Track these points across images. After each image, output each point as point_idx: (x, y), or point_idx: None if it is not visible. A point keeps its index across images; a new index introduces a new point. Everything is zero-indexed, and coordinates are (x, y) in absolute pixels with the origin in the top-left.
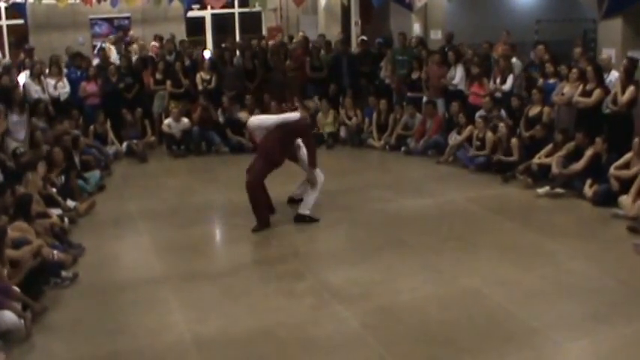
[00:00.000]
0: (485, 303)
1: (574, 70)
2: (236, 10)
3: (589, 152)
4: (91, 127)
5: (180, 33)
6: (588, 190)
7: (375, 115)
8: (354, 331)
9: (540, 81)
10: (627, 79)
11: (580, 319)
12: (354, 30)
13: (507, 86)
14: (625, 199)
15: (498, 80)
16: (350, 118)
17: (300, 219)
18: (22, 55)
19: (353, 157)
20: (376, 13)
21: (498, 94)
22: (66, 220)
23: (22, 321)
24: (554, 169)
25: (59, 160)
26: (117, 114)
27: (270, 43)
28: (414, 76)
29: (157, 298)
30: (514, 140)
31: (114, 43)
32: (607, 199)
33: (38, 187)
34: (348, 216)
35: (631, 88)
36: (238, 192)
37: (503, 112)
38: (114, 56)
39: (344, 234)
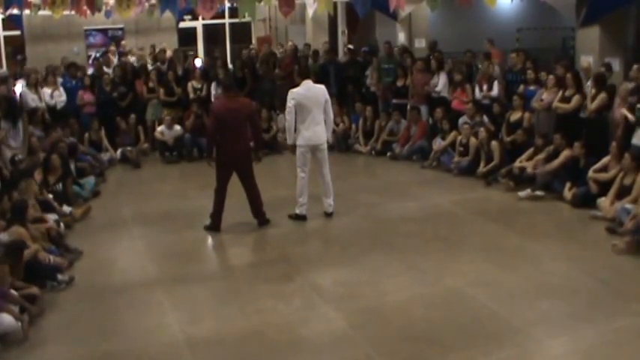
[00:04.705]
0: (469, 302)
1: (551, 77)
2: (226, 20)
3: (566, 152)
4: (86, 134)
5: (173, 43)
6: (568, 192)
7: (361, 122)
8: (342, 331)
9: (521, 87)
10: (598, 86)
11: (561, 318)
12: (341, 39)
13: (495, 92)
14: (603, 201)
15: (485, 87)
16: (337, 125)
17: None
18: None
19: (340, 162)
20: (362, 22)
21: (486, 101)
22: (62, 224)
23: (20, 324)
24: (529, 169)
25: (57, 166)
26: (111, 122)
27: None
28: (399, 83)
29: (150, 300)
30: (494, 143)
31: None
32: (586, 201)
33: (35, 193)
34: (336, 219)
35: (602, 95)
36: (228, 197)
37: (485, 118)
38: (115, 63)
39: (331, 237)
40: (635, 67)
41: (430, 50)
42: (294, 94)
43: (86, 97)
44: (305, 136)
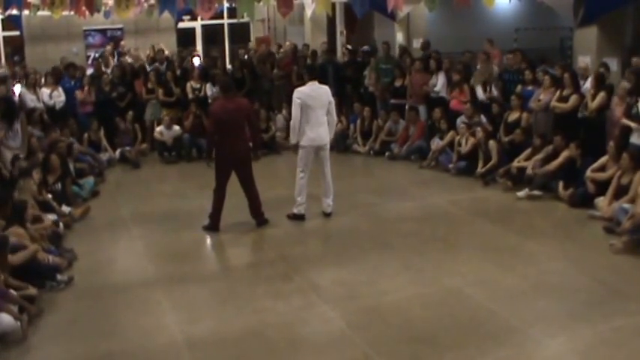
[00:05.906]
0: (467, 302)
1: (547, 77)
2: (225, 20)
3: (565, 153)
4: (85, 134)
5: (172, 44)
6: (562, 191)
7: (359, 122)
8: (341, 331)
9: (519, 87)
10: (598, 86)
11: (558, 317)
12: (340, 39)
13: (495, 93)
14: (601, 201)
15: (488, 87)
16: (336, 124)
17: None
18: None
19: (338, 163)
20: (360, 23)
21: (488, 101)
22: (61, 225)
23: (19, 323)
24: (529, 170)
25: (56, 166)
26: (110, 122)
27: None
28: (397, 83)
29: (149, 300)
30: (492, 143)
31: (111, 54)
32: (584, 201)
33: (33, 193)
34: (334, 219)
35: (601, 94)
36: (227, 197)
37: (483, 118)
38: (113, 63)
39: (330, 237)
40: (627, 70)
41: (423, 50)
42: (299, 94)
43: (84, 94)
44: (309, 137)
